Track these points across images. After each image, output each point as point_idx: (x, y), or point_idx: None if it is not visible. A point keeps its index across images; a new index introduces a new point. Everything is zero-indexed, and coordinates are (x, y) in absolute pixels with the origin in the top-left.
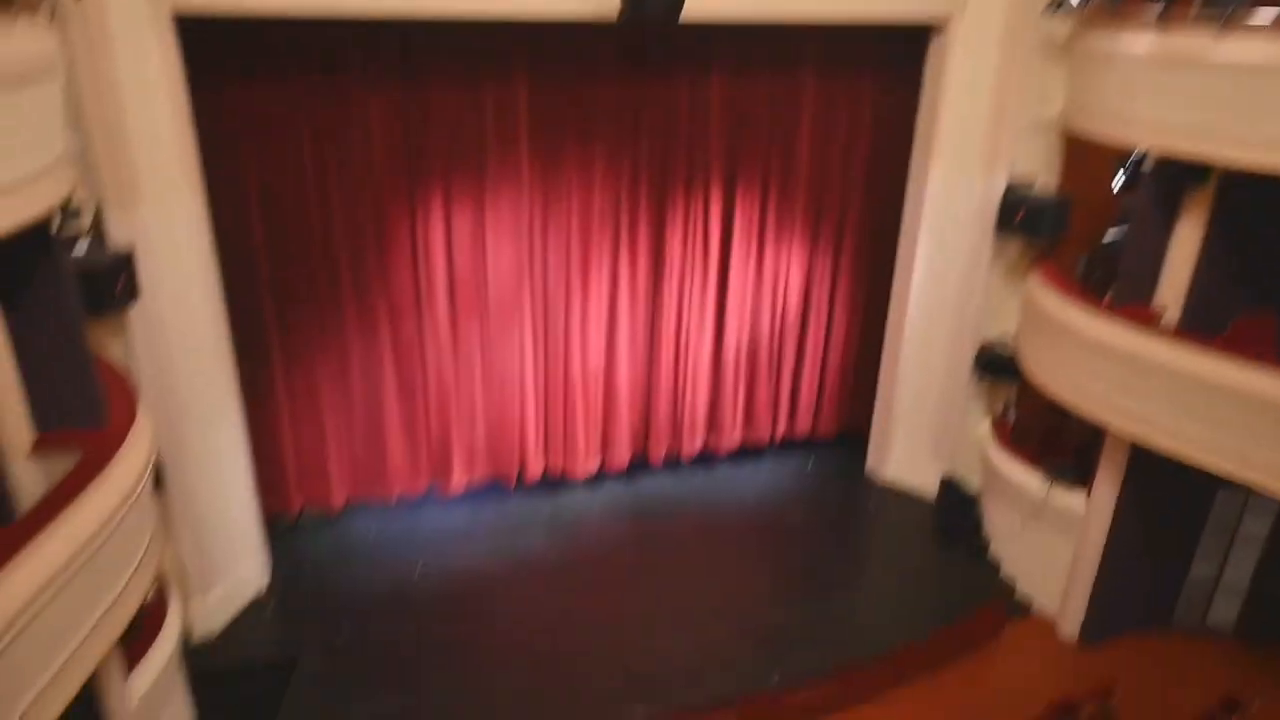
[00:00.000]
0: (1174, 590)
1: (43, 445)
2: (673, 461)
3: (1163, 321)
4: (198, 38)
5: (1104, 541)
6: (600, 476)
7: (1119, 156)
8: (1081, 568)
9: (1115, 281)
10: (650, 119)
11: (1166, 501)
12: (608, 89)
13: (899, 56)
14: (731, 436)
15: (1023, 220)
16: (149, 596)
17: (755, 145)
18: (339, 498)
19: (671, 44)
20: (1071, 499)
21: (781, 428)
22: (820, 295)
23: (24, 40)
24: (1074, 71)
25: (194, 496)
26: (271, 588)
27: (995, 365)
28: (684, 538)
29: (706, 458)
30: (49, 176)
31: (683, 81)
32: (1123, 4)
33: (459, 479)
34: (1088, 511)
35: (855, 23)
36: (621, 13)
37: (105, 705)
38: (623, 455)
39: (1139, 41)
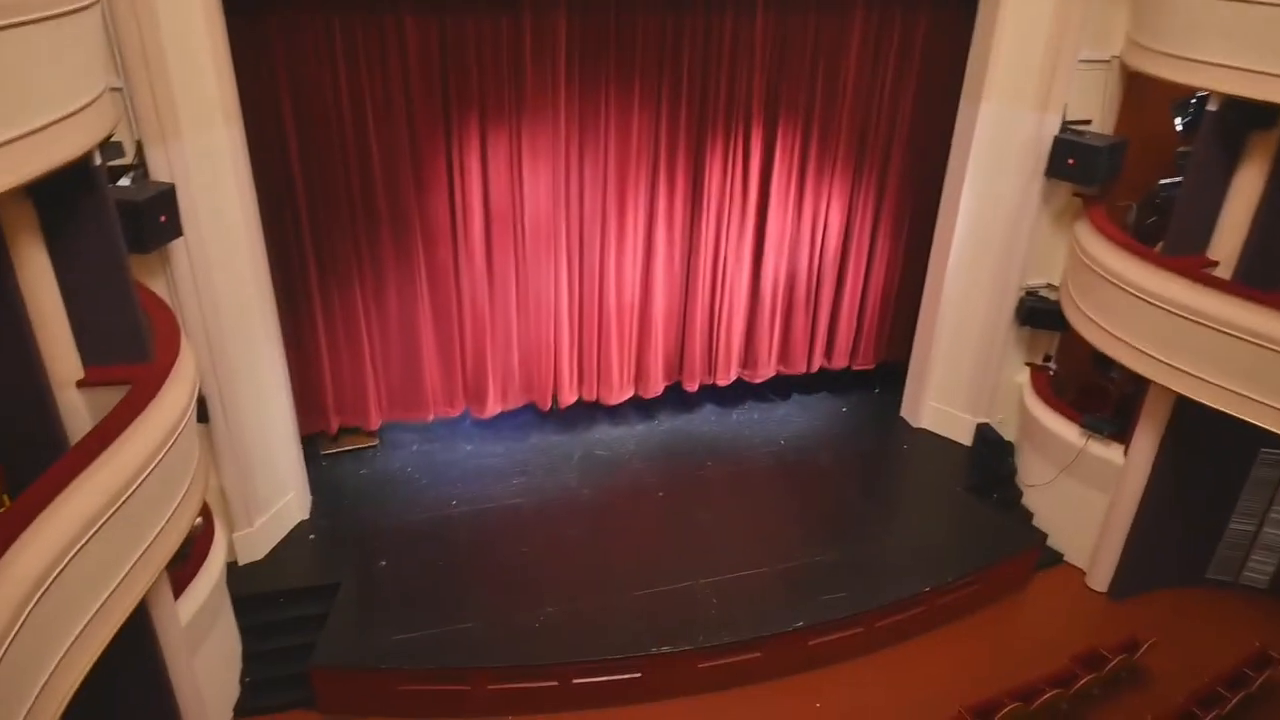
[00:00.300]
0: (1209, 547)
1: (90, 379)
2: (707, 397)
3: (1216, 273)
4: None
5: (1140, 497)
6: (633, 411)
7: (1177, 97)
8: (1115, 522)
9: (1168, 230)
10: (692, 49)
11: (1206, 457)
12: (649, 17)
13: None
14: (766, 370)
15: (1074, 167)
16: (197, 525)
17: (799, 77)
18: (375, 422)
19: None
20: (1109, 453)
21: (817, 363)
22: (861, 232)
23: None
24: (1136, 6)
25: (237, 429)
26: (312, 518)
27: (1038, 313)
28: (716, 479)
29: (741, 392)
30: (90, 113)
31: (726, 11)
32: None
33: (493, 405)
34: (1125, 466)
35: None
36: None
37: (155, 625)
38: (657, 386)
39: None
